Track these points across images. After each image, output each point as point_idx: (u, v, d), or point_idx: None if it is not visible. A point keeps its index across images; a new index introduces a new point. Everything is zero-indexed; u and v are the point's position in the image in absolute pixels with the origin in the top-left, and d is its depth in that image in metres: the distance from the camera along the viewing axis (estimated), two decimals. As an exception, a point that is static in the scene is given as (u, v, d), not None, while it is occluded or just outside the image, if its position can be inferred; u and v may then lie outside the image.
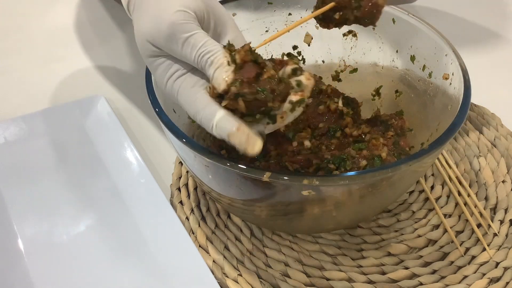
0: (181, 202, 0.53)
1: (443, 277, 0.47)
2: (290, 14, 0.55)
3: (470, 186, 0.55)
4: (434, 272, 0.47)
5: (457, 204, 0.53)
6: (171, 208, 0.51)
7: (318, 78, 0.56)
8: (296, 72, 0.34)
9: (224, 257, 0.48)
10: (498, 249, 0.49)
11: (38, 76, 0.73)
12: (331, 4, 0.41)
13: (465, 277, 0.47)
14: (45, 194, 0.54)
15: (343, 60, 0.57)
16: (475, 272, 0.47)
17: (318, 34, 0.54)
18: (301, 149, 0.46)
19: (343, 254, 0.49)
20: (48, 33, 0.82)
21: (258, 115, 0.34)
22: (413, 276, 0.47)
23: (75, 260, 0.48)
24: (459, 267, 0.48)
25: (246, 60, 0.34)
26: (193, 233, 0.51)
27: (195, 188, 0.55)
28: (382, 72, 0.56)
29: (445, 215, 0.52)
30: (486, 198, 0.54)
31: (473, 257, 0.49)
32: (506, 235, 0.50)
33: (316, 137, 0.48)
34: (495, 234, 0.50)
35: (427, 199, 0.54)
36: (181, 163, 0.58)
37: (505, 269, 0.47)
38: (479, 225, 0.51)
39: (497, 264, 0.48)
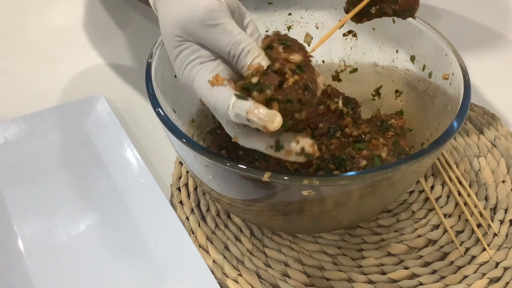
0: (181, 202, 0.53)
1: (443, 277, 0.47)
2: (290, 14, 0.55)
3: (470, 186, 0.55)
4: (434, 272, 0.47)
5: (457, 204, 0.53)
6: (171, 208, 0.51)
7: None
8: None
9: (224, 257, 0.48)
10: (498, 249, 0.49)
11: (38, 76, 0.73)
12: None
13: (465, 277, 0.47)
14: (45, 194, 0.54)
15: (343, 60, 0.57)
16: (475, 272, 0.47)
17: (318, 34, 0.54)
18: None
19: (343, 254, 0.49)
20: (48, 33, 0.82)
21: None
22: (413, 276, 0.47)
23: (75, 260, 0.48)
24: (459, 267, 0.48)
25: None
26: (193, 233, 0.51)
27: (195, 188, 0.55)
28: (382, 72, 0.56)
29: (445, 215, 0.52)
30: (486, 198, 0.54)
31: (473, 257, 0.49)
32: (506, 235, 0.50)
33: (316, 137, 0.48)
34: (495, 234, 0.50)
35: (427, 199, 0.54)
36: (181, 163, 0.58)
37: (505, 269, 0.47)
38: (479, 225, 0.51)
39: (497, 264, 0.48)
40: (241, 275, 0.47)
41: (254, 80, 0.33)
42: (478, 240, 0.50)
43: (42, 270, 0.47)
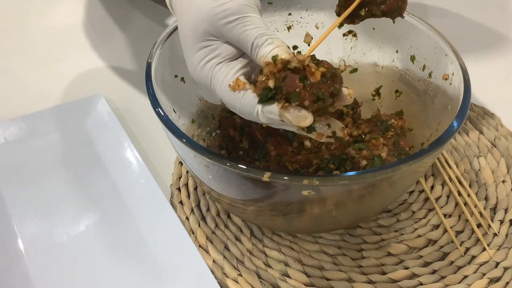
0: (181, 202, 0.53)
1: (443, 277, 0.47)
2: (290, 14, 0.55)
3: (470, 186, 0.55)
4: (434, 272, 0.47)
5: (457, 204, 0.53)
6: (171, 208, 0.51)
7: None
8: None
9: (224, 257, 0.48)
10: (498, 249, 0.49)
11: (38, 76, 0.73)
12: (357, 1, 0.41)
13: (465, 277, 0.47)
14: (45, 194, 0.54)
15: (343, 60, 0.57)
16: (475, 272, 0.47)
17: (318, 34, 0.54)
18: (301, 149, 0.46)
19: (343, 254, 0.49)
20: (48, 33, 0.82)
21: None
22: (413, 276, 0.47)
23: (75, 260, 0.48)
24: (459, 267, 0.48)
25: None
26: (193, 233, 0.51)
27: (195, 188, 0.55)
28: (382, 72, 0.56)
29: (445, 215, 0.52)
30: (486, 198, 0.54)
31: (473, 257, 0.49)
32: (506, 235, 0.50)
33: (316, 137, 0.48)
34: (495, 234, 0.50)
35: (427, 199, 0.54)
36: (181, 163, 0.58)
37: (505, 269, 0.47)
38: (479, 225, 0.51)
39: (497, 264, 0.48)
40: (241, 275, 0.47)
41: (271, 84, 0.33)
42: (478, 240, 0.50)
43: (42, 270, 0.47)
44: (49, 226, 0.51)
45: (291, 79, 0.32)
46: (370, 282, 0.46)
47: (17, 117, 0.61)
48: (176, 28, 0.48)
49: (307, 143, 0.46)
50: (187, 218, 0.52)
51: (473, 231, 0.51)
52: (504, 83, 0.71)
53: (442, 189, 0.55)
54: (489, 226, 0.51)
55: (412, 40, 0.51)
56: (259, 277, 0.47)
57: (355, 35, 0.54)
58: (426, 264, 0.48)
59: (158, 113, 0.41)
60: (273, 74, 0.33)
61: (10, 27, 0.83)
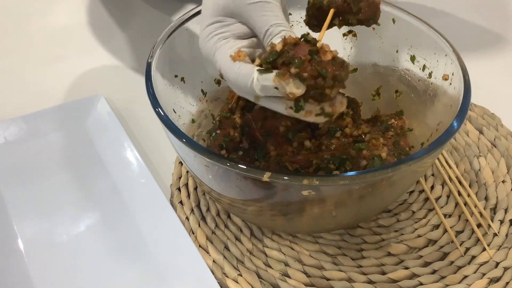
0: (181, 202, 0.53)
1: (443, 277, 0.47)
2: (290, 14, 0.55)
3: (470, 186, 0.55)
4: (434, 272, 0.47)
5: (457, 204, 0.53)
6: (171, 208, 0.51)
7: None
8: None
9: (224, 257, 0.48)
10: (498, 249, 0.49)
11: (38, 76, 0.73)
12: (332, 11, 0.41)
13: (465, 277, 0.47)
14: (45, 194, 0.54)
15: (343, 60, 0.57)
16: (475, 272, 0.47)
17: (318, 34, 0.54)
18: (301, 149, 0.46)
19: (343, 254, 0.49)
20: (49, 33, 0.82)
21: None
22: (413, 276, 0.47)
23: (75, 260, 0.48)
24: (459, 267, 0.48)
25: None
26: (193, 233, 0.51)
27: (195, 188, 0.55)
28: (382, 72, 0.56)
29: (445, 215, 0.52)
30: (486, 198, 0.54)
31: (473, 257, 0.49)
32: (506, 235, 0.50)
33: (316, 137, 0.48)
34: (495, 234, 0.50)
35: (427, 199, 0.54)
36: (181, 163, 0.58)
37: (505, 269, 0.47)
38: (479, 225, 0.51)
39: (497, 264, 0.48)
40: (241, 275, 0.47)
41: (278, 47, 0.33)
42: (478, 240, 0.50)
43: (42, 270, 0.47)
44: (49, 226, 0.51)
45: (302, 47, 0.33)
46: (370, 282, 0.46)
47: (17, 117, 0.61)
48: (176, 28, 0.48)
49: (307, 143, 0.46)
50: (187, 218, 0.52)
51: (473, 231, 0.51)
52: (504, 83, 0.71)
53: (442, 189, 0.55)
54: (489, 226, 0.51)
55: (412, 40, 0.51)
56: (259, 277, 0.47)
57: (355, 35, 0.54)
58: (426, 264, 0.48)
59: (158, 113, 0.41)
60: (285, 44, 0.33)
61: (10, 27, 0.83)
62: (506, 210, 0.52)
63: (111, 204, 0.53)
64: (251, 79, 0.34)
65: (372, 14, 0.42)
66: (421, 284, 0.46)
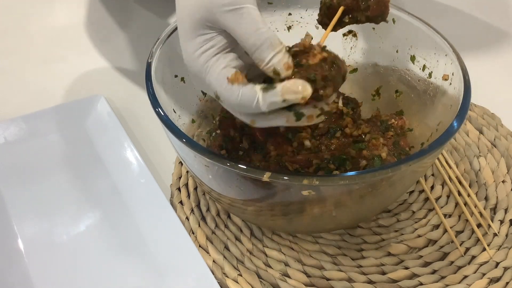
0: (181, 202, 0.53)
1: (443, 277, 0.47)
2: (290, 14, 0.55)
3: (470, 186, 0.55)
4: (434, 272, 0.47)
5: (457, 204, 0.53)
6: (171, 208, 0.51)
7: None
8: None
9: (224, 257, 0.48)
10: (498, 249, 0.49)
11: (38, 76, 0.73)
12: (341, 9, 0.42)
13: (465, 277, 0.47)
14: (45, 194, 0.54)
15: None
16: (475, 272, 0.47)
17: (318, 34, 0.54)
18: (301, 149, 0.46)
19: (343, 254, 0.49)
20: (49, 33, 0.82)
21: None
22: (413, 276, 0.47)
23: (75, 260, 0.48)
24: (459, 267, 0.48)
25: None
26: (193, 233, 0.51)
27: (195, 188, 0.55)
28: (382, 72, 0.56)
29: (445, 215, 0.52)
30: (486, 198, 0.54)
31: (473, 257, 0.49)
32: (506, 235, 0.50)
33: (316, 137, 0.48)
34: (495, 234, 0.50)
35: (427, 199, 0.54)
36: (181, 163, 0.58)
37: (505, 269, 0.47)
38: (479, 225, 0.51)
39: (497, 264, 0.48)
40: (241, 275, 0.47)
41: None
42: (478, 240, 0.50)
43: (42, 270, 0.47)
44: (49, 226, 0.51)
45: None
46: (370, 282, 0.46)
47: (17, 117, 0.61)
48: (176, 28, 0.48)
49: (307, 143, 0.46)
50: (187, 218, 0.52)
51: (473, 231, 0.51)
52: (504, 83, 0.71)
53: (442, 189, 0.55)
54: (489, 226, 0.51)
55: (412, 40, 0.51)
56: (259, 277, 0.47)
57: (355, 35, 0.54)
58: (426, 264, 0.48)
59: (158, 113, 0.41)
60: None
61: (10, 27, 0.83)
62: (506, 210, 0.52)
63: (111, 204, 0.53)
64: (255, 100, 0.33)
65: (380, 11, 0.42)
66: (421, 284, 0.46)
